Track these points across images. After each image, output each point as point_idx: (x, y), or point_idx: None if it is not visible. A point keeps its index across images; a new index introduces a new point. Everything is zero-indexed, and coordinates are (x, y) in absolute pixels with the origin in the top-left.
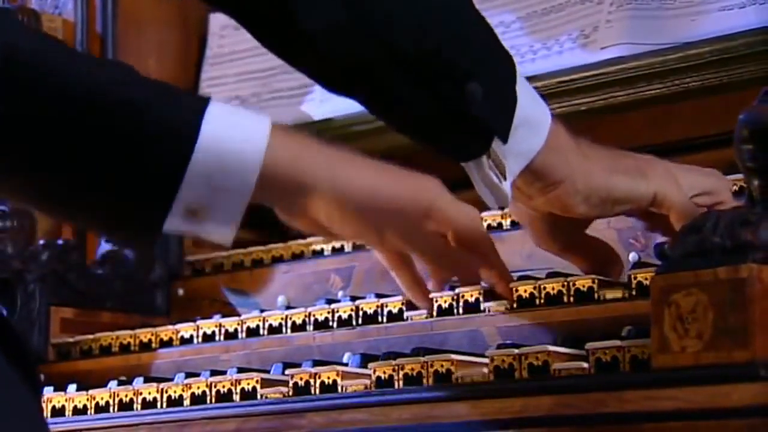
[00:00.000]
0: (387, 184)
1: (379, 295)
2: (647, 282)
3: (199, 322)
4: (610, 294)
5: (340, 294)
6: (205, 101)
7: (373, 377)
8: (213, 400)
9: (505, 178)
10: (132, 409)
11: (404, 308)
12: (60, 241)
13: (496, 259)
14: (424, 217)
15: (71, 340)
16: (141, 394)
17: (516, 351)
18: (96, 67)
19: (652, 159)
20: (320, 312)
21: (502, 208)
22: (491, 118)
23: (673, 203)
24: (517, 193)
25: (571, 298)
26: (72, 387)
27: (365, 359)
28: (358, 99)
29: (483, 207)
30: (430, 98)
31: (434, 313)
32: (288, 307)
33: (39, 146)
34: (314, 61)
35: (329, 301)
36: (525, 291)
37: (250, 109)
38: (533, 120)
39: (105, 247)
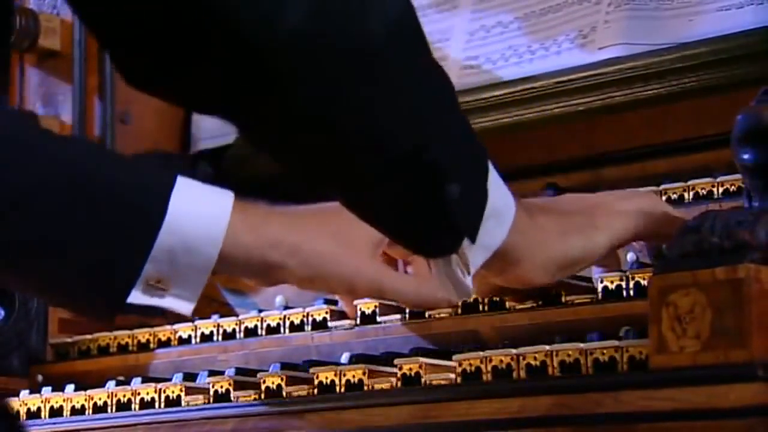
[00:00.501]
0: (347, 258)
1: None
2: (645, 282)
3: (197, 323)
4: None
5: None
6: (172, 178)
7: (371, 378)
8: (211, 400)
9: (468, 273)
10: (130, 409)
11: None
12: None
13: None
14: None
15: (69, 340)
16: (139, 394)
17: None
18: (66, 145)
19: (596, 203)
20: (318, 312)
21: None
22: (464, 219)
23: (639, 236)
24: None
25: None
26: (70, 387)
27: (364, 359)
28: (333, 191)
29: None
30: (409, 197)
31: (433, 314)
32: (286, 308)
33: (6, 221)
34: (279, 145)
35: (327, 302)
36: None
37: None
38: (499, 212)
39: None
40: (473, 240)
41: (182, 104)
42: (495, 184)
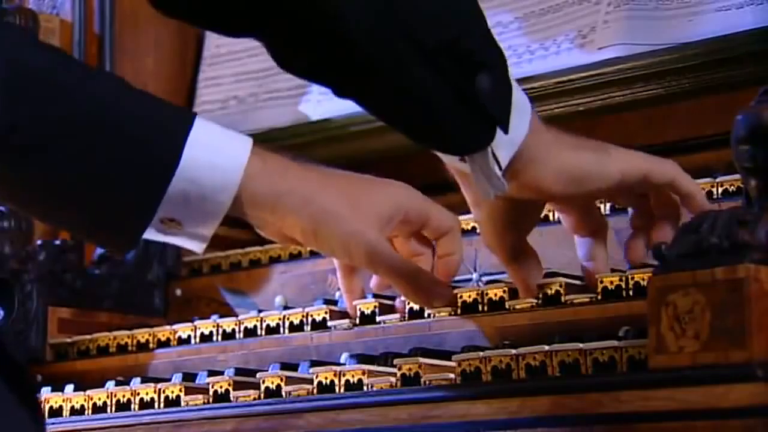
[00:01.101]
0: (352, 220)
1: (376, 296)
2: (644, 282)
3: (197, 323)
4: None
5: (337, 294)
6: (190, 122)
7: (370, 379)
8: (210, 400)
9: (501, 167)
10: (129, 409)
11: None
12: (57, 242)
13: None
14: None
15: (69, 340)
16: (138, 394)
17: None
18: (94, 82)
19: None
20: (318, 312)
21: None
22: (497, 108)
23: (656, 171)
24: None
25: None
26: (69, 387)
27: (363, 359)
28: (366, 99)
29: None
30: (447, 87)
31: (432, 314)
32: (285, 308)
33: (41, 151)
34: (336, 59)
35: (327, 302)
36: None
37: (248, 111)
38: (520, 105)
39: None
40: (506, 130)
41: (206, 24)
42: (513, 79)
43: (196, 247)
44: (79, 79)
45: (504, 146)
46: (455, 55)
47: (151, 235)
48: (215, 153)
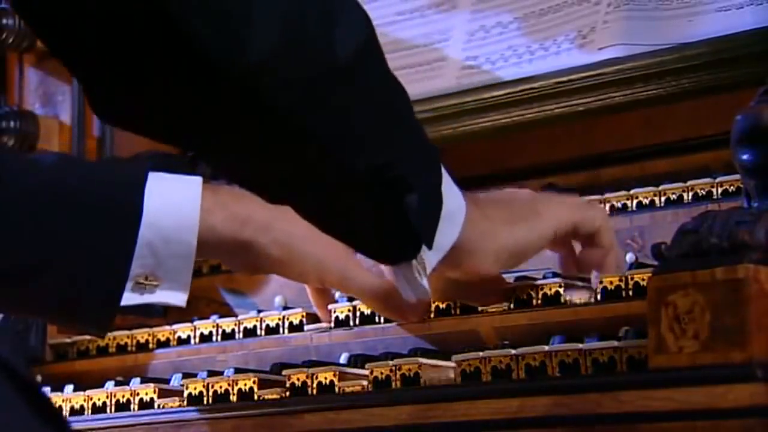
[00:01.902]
0: (318, 238)
1: None
2: (644, 282)
3: (196, 323)
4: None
5: (337, 294)
6: (144, 176)
7: (371, 378)
8: (210, 400)
9: (425, 274)
10: (129, 409)
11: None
12: None
13: None
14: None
15: (68, 340)
16: (138, 394)
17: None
18: (33, 164)
19: (536, 196)
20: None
21: None
22: (423, 227)
23: (584, 221)
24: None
25: (569, 299)
26: (69, 387)
27: (363, 359)
28: (294, 205)
29: None
30: (371, 209)
31: (432, 314)
32: (285, 308)
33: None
34: (250, 168)
35: None
36: (522, 291)
37: None
38: (452, 213)
39: None
40: (430, 246)
41: (143, 132)
42: (447, 185)
43: (179, 299)
44: (23, 164)
45: (432, 253)
46: (383, 180)
47: (130, 299)
48: (171, 195)
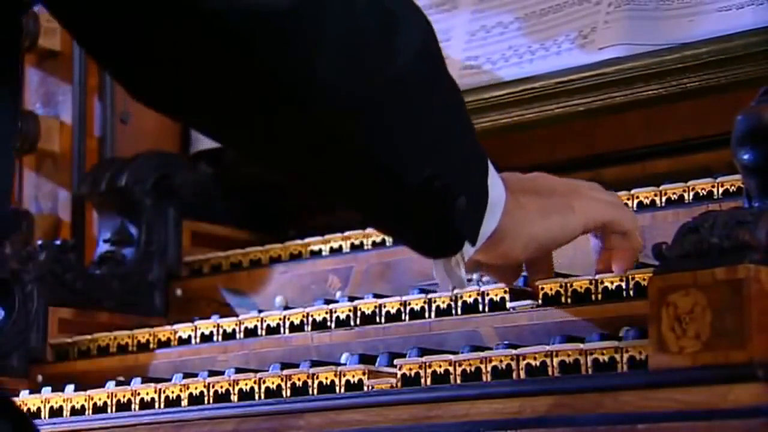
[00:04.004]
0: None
1: (377, 296)
2: (645, 282)
3: (197, 323)
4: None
5: (338, 294)
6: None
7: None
8: (211, 400)
9: (463, 264)
10: (130, 409)
11: (402, 308)
12: (58, 242)
13: None
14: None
15: (69, 340)
16: (139, 394)
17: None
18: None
19: (572, 188)
20: (318, 312)
21: None
22: (468, 227)
23: (614, 222)
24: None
25: (569, 299)
26: (70, 387)
27: (363, 359)
28: (348, 205)
29: None
30: (419, 215)
31: (432, 314)
32: (286, 308)
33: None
34: (307, 176)
35: (327, 302)
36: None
37: None
38: (493, 204)
39: (103, 247)
40: (474, 243)
41: (182, 116)
42: (490, 176)
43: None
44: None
45: (470, 246)
46: (432, 189)
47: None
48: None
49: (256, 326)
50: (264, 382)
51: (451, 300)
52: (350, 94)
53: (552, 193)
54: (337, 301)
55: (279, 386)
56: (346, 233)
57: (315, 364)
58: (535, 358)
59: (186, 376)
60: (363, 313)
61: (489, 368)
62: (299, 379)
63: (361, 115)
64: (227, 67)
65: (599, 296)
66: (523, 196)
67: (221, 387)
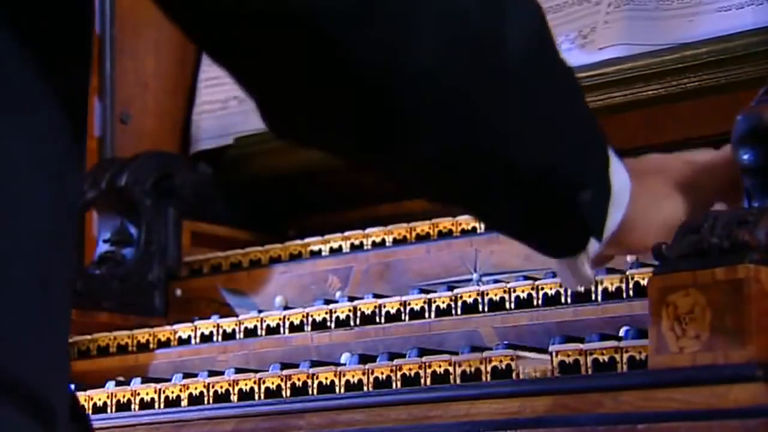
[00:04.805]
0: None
1: (377, 296)
2: (645, 282)
3: (197, 323)
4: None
5: (338, 294)
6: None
7: (371, 378)
8: (211, 400)
9: (589, 261)
10: (130, 409)
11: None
12: None
13: None
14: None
15: (69, 340)
16: (139, 394)
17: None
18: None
19: (694, 165)
20: (318, 312)
21: None
22: (594, 220)
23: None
24: None
25: (569, 299)
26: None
27: (363, 360)
28: (462, 207)
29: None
30: (542, 210)
31: (432, 314)
32: (286, 308)
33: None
34: (421, 180)
35: (327, 302)
36: (523, 291)
37: (248, 111)
38: (617, 194)
39: (103, 247)
40: (600, 239)
41: (328, 150)
42: (612, 165)
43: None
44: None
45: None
46: (552, 181)
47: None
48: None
49: (255, 326)
50: (264, 382)
51: (450, 300)
52: (452, 84)
53: (674, 171)
54: (337, 301)
55: (279, 386)
56: (346, 233)
57: (315, 364)
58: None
59: (186, 376)
60: (363, 313)
61: (489, 368)
62: (299, 379)
63: (469, 105)
64: (315, 63)
65: (599, 296)
66: (647, 177)
67: (221, 387)
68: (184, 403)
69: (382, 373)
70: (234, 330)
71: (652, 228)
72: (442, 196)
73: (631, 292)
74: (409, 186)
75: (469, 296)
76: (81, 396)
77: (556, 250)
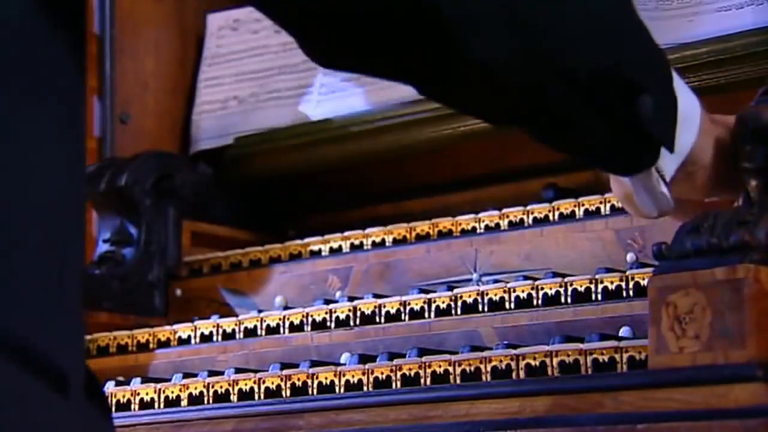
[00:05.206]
0: None
1: (376, 296)
2: (645, 282)
3: (197, 323)
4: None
5: (337, 294)
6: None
7: (371, 377)
8: (211, 400)
9: (666, 182)
10: (129, 409)
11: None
12: None
13: None
14: None
15: None
16: (138, 394)
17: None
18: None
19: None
20: (318, 312)
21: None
22: (661, 129)
23: None
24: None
25: (569, 299)
26: None
27: (363, 360)
28: (526, 127)
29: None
30: (604, 117)
31: (432, 314)
32: (286, 308)
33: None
34: (479, 93)
35: (327, 302)
36: (523, 291)
37: (248, 111)
38: (687, 114)
39: (103, 247)
40: (672, 149)
41: (365, 72)
42: (679, 85)
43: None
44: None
45: (669, 159)
46: (611, 83)
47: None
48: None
49: (255, 326)
50: (264, 382)
51: (450, 300)
52: None
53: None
54: (336, 301)
55: (279, 386)
56: (346, 233)
57: (315, 364)
58: (534, 358)
59: (186, 376)
60: (363, 313)
61: (489, 368)
62: (299, 379)
63: (525, 8)
64: None
65: (599, 296)
66: (720, 115)
67: (221, 387)
68: (184, 403)
69: (382, 373)
70: (234, 330)
71: (727, 162)
72: (504, 113)
73: (631, 292)
74: (470, 108)
75: (469, 296)
76: None
77: (626, 163)
